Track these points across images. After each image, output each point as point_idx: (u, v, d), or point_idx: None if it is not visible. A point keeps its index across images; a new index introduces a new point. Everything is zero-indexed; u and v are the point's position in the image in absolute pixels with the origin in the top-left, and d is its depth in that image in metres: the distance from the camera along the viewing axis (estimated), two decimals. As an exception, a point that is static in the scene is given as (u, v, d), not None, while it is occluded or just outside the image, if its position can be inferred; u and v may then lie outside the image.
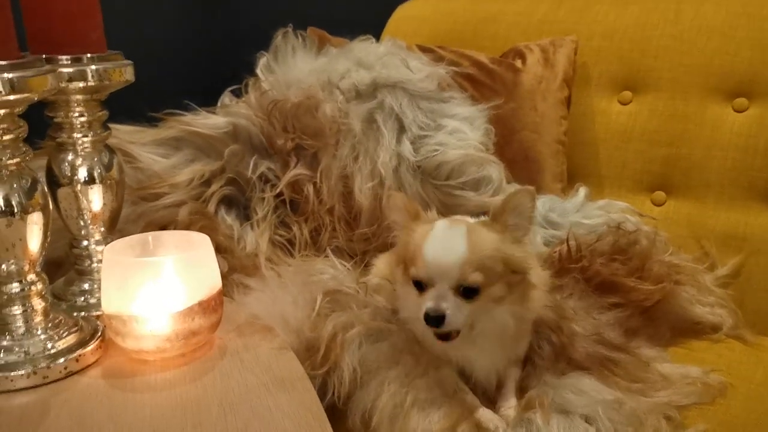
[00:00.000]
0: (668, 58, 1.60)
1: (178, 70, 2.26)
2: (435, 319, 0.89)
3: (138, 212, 1.25)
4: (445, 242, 0.92)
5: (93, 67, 0.98)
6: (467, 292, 0.90)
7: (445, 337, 0.92)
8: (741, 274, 1.41)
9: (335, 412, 0.93)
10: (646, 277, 1.17)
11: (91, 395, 0.84)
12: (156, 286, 0.88)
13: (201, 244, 0.93)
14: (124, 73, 1.02)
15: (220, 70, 1.65)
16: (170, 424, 0.78)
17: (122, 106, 1.29)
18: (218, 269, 0.94)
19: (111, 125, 1.40)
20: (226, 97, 1.59)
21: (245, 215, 1.36)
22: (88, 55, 0.99)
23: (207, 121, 1.43)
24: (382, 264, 1.21)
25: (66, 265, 1.13)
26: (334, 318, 0.99)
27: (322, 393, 0.92)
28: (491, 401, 0.98)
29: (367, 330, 0.97)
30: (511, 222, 0.94)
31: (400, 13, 2.04)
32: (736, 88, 1.52)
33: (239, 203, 1.37)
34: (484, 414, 0.92)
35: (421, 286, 0.92)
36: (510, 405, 0.95)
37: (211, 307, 0.91)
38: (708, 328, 1.24)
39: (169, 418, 0.79)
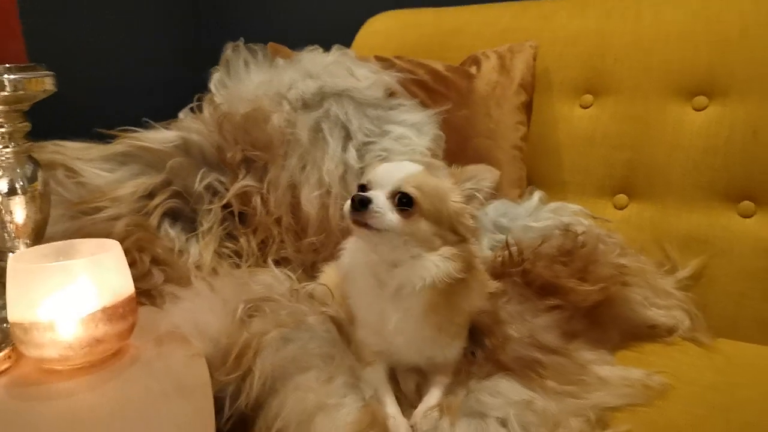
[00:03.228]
0: (628, 61, 1.58)
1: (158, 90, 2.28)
2: (360, 201, 0.87)
3: (76, 226, 1.24)
4: (398, 164, 0.96)
5: (10, 76, 0.98)
6: (402, 202, 0.89)
7: (363, 224, 0.89)
8: (704, 276, 1.37)
9: (246, 420, 0.90)
10: (588, 279, 1.13)
11: (-11, 403, 0.82)
12: (57, 292, 0.85)
13: (109, 249, 0.91)
14: (44, 83, 1.01)
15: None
16: (55, 432, 0.76)
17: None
18: (129, 275, 0.92)
19: (58, 142, 1.42)
20: (182, 114, 1.59)
21: (191, 228, 1.35)
22: (6, 65, 0.99)
23: (156, 136, 1.42)
24: (331, 271, 1.18)
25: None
26: (252, 324, 0.97)
27: (234, 399, 0.90)
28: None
29: (283, 334, 0.94)
30: (466, 186, 0.95)
31: (368, 28, 2.04)
32: (695, 88, 1.49)
33: (185, 216, 1.35)
34: (395, 424, 0.89)
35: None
36: (428, 405, 0.91)
37: (119, 314, 0.89)
38: (663, 331, 1.20)
39: (54, 428, 0.77)
